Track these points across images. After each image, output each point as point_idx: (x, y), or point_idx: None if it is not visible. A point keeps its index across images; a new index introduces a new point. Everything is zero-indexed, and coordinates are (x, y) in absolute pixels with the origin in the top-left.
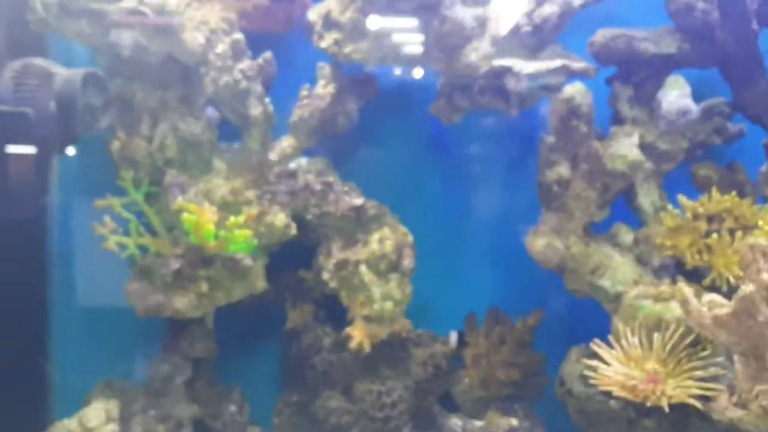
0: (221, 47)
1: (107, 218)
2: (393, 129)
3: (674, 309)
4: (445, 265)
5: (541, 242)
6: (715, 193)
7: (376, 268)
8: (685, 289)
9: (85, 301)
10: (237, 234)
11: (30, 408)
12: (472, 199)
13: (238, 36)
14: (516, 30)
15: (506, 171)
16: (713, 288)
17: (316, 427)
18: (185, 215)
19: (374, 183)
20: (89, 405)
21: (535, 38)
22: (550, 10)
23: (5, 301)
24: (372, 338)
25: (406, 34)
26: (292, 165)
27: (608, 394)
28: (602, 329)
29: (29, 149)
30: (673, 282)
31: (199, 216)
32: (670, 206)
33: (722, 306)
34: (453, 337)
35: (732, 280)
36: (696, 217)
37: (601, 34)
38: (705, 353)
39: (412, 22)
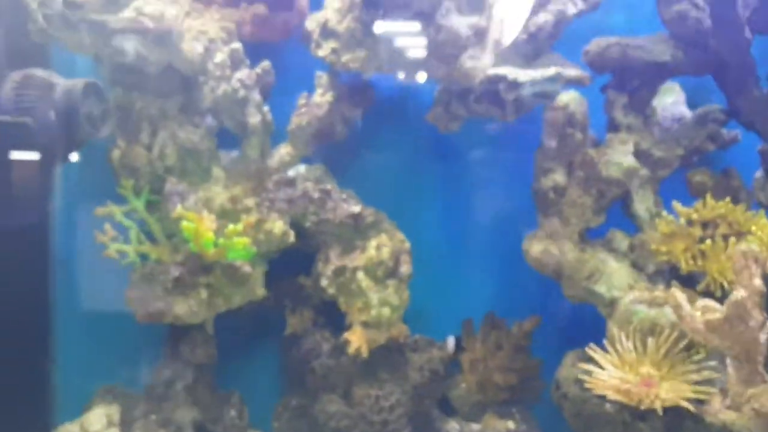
0: (220, 56)
1: (108, 226)
2: (390, 136)
3: (669, 314)
4: (443, 271)
5: (537, 248)
6: (709, 199)
7: (374, 274)
8: (678, 294)
9: (86, 307)
10: (236, 241)
11: (33, 412)
12: (468, 206)
13: (237, 45)
14: (518, 42)
15: (503, 178)
16: (707, 293)
17: (316, 430)
18: (185, 223)
19: (372, 190)
20: (91, 409)
21: (530, 46)
22: (544, 18)
23: (9, 307)
24: (370, 343)
25: (403, 43)
26: (291, 173)
27: (604, 398)
28: (598, 334)
29: (30, 158)
30: (668, 287)
31: (199, 224)
32: (664, 212)
33: (715, 311)
34: (450, 342)
35: (726, 285)
36: (690, 223)
37: (596, 43)
38: (698, 357)
39: (409, 31)
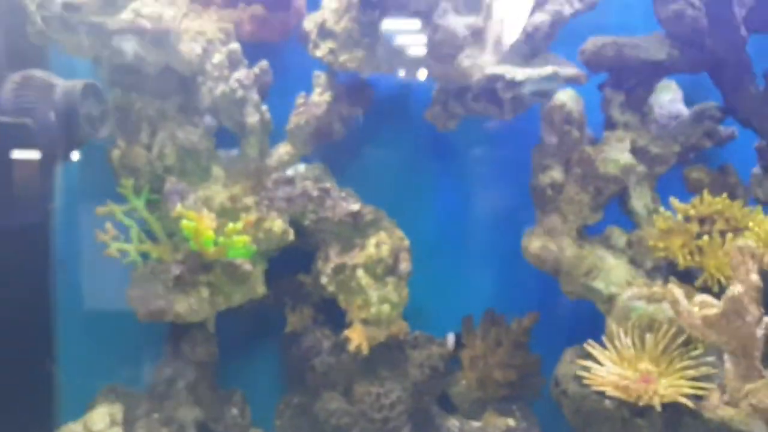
0: (218, 57)
1: (109, 225)
2: (389, 135)
3: (666, 310)
4: (442, 268)
5: (536, 245)
6: (706, 195)
7: (373, 272)
8: (675, 290)
9: (88, 307)
10: (236, 240)
11: (36, 412)
12: (467, 203)
13: (235, 46)
14: (515, 42)
15: (501, 175)
16: (705, 289)
17: (317, 428)
18: (185, 222)
19: (371, 188)
20: (94, 409)
21: (527, 46)
22: (541, 18)
23: (12, 308)
24: (370, 341)
25: (400, 43)
26: (290, 171)
27: (602, 394)
28: (597, 330)
29: (30, 159)
30: (666, 283)
31: (199, 223)
32: (662, 209)
33: (712, 306)
34: (450, 339)
35: (723, 281)
36: (688, 219)
37: (592, 42)
38: (696, 353)
39: (406, 31)
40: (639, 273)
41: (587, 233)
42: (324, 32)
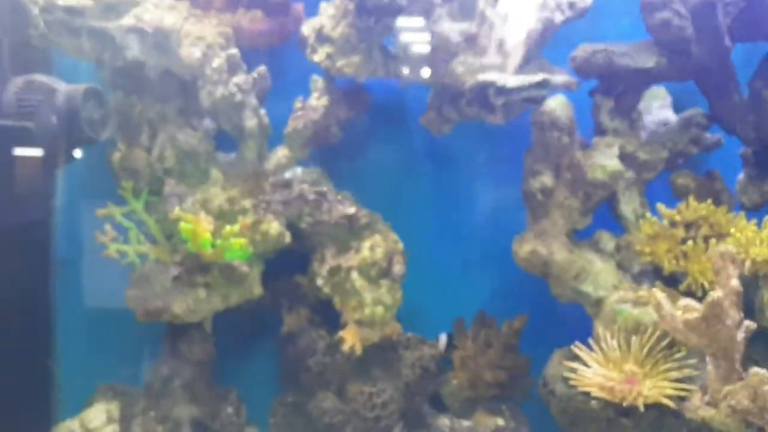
0: (217, 61)
1: (108, 226)
2: (385, 139)
3: (652, 313)
4: (435, 271)
5: (526, 249)
6: (692, 201)
7: (368, 274)
8: (658, 294)
9: (87, 306)
10: (233, 242)
11: (34, 410)
12: (460, 207)
13: (234, 51)
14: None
15: (494, 179)
16: (689, 293)
17: (311, 426)
18: (183, 224)
19: (368, 192)
20: (91, 406)
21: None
22: (533, 26)
23: (12, 307)
24: (364, 341)
25: (396, 49)
26: (287, 175)
27: (589, 395)
28: (585, 332)
29: (32, 162)
30: (652, 287)
31: (196, 225)
32: (648, 214)
33: (694, 310)
34: (442, 339)
35: (707, 285)
36: (674, 224)
37: (582, 49)
38: (680, 355)
39: (401, 37)
40: (626, 277)
41: (577, 237)
42: (322, 37)
